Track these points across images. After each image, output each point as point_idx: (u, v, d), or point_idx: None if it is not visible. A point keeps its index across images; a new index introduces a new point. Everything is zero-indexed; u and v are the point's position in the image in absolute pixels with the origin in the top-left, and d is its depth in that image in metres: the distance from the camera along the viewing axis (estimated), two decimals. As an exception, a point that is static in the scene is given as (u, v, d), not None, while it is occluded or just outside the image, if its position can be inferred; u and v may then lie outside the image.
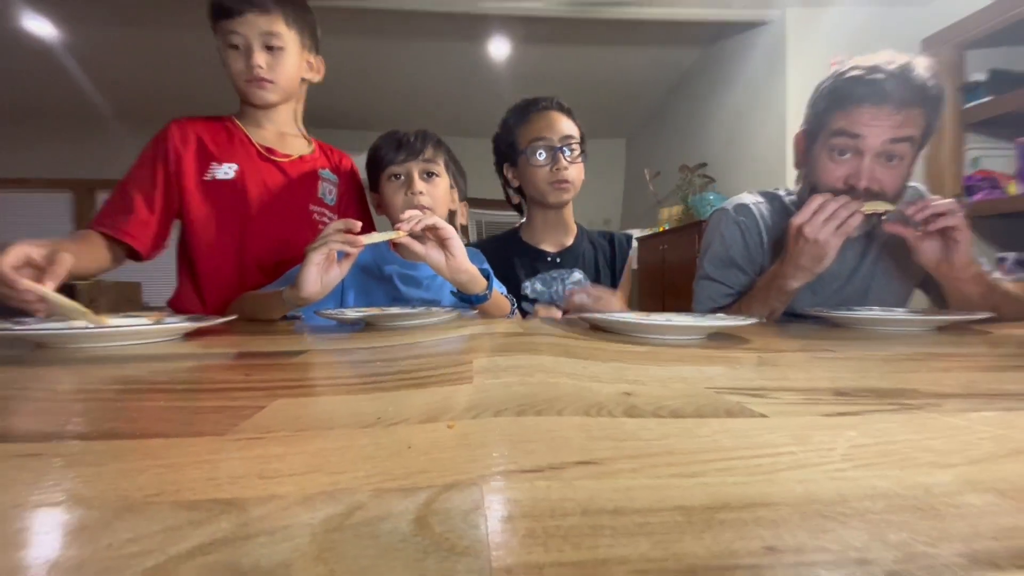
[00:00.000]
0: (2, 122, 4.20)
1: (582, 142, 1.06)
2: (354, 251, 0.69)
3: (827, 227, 0.72)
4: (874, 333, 0.65)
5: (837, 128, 0.77)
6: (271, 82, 0.89)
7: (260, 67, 0.87)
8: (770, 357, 0.46)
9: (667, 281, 2.76)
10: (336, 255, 0.69)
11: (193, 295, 0.95)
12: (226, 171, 0.92)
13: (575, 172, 1.04)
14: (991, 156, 2.14)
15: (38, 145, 4.30)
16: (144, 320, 0.62)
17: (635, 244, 3.37)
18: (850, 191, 0.76)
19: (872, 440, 0.23)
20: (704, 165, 2.81)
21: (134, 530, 0.14)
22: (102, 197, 4.46)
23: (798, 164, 0.90)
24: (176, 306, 0.96)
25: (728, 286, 0.93)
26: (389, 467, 0.19)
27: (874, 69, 0.74)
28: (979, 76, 2.09)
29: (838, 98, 0.77)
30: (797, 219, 0.74)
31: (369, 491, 0.17)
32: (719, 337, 0.59)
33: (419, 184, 0.87)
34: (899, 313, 0.75)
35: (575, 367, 0.37)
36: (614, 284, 1.14)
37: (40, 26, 2.74)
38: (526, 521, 0.15)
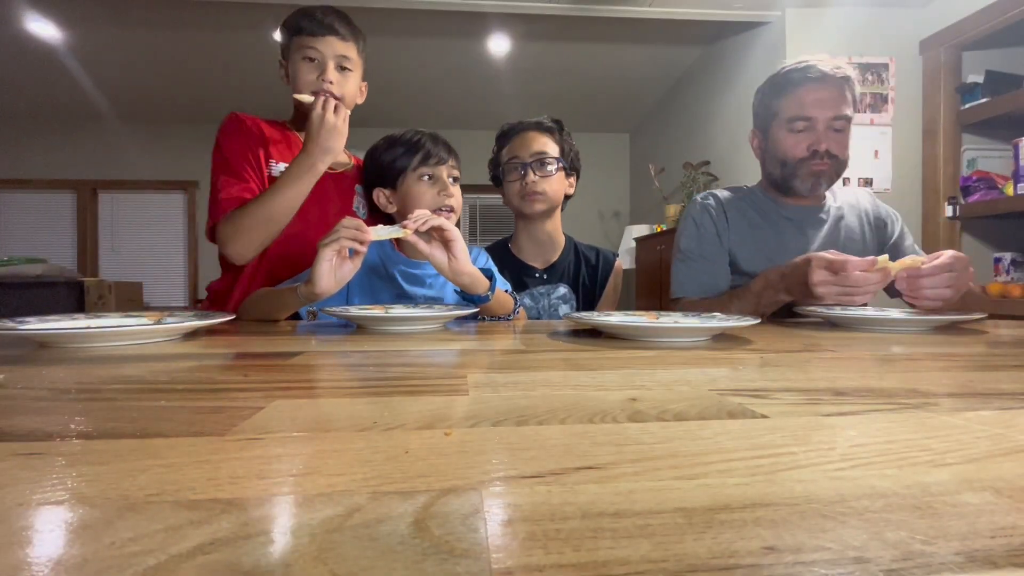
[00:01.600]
0: (5, 123, 4.20)
1: (564, 157, 1.11)
2: (363, 248, 0.71)
3: (833, 289, 0.73)
4: (873, 333, 0.66)
5: (790, 115, 0.93)
6: (339, 98, 0.95)
7: (332, 83, 0.94)
8: (772, 358, 0.46)
9: (664, 281, 2.76)
10: (347, 252, 0.72)
11: (231, 285, 0.98)
12: (281, 170, 0.96)
13: (548, 185, 1.08)
14: (988, 157, 2.15)
15: (41, 146, 4.30)
16: (144, 320, 0.62)
17: (633, 244, 3.36)
18: (813, 155, 0.93)
19: (871, 440, 0.23)
20: (707, 163, 2.81)
21: (135, 529, 0.14)
22: (104, 197, 4.47)
23: (757, 157, 1.05)
24: (215, 288, 1.00)
25: (704, 260, 1.01)
26: (387, 471, 0.19)
27: (803, 63, 0.93)
28: (976, 78, 2.09)
29: (782, 85, 0.95)
30: (821, 261, 0.73)
31: (367, 494, 0.17)
32: (724, 338, 0.59)
33: (452, 188, 0.92)
34: (898, 313, 0.76)
35: (582, 379, 0.36)
36: (596, 297, 1.17)
37: (43, 28, 2.74)
38: (526, 524, 0.15)
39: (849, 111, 0.93)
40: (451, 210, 0.92)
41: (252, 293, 0.86)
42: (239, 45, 2.90)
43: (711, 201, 1.04)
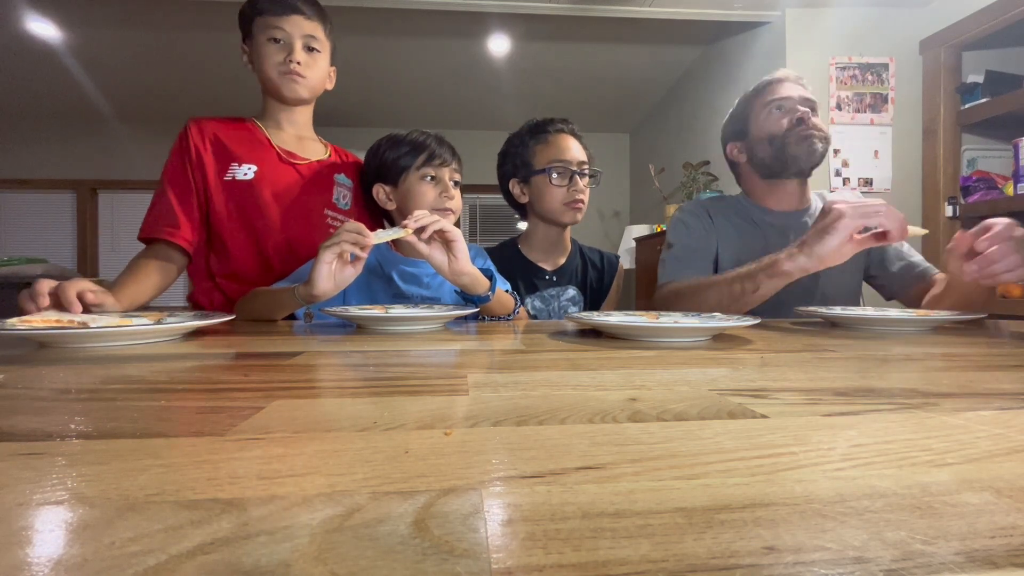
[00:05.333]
0: (5, 123, 4.20)
1: (591, 165, 1.11)
2: (364, 253, 0.71)
3: (856, 220, 0.71)
4: (873, 333, 0.66)
5: (767, 101, 1.00)
6: (304, 77, 0.94)
7: (299, 62, 0.91)
8: (772, 358, 0.46)
9: (666, 281, 2.76)
10: (348, 256, 0.72)
11: (213, 291, 0.97)
12: (245, 172, 0.94)
13: (586, 195, 1.09)
14: (988, 157, 2.15)
15: (40, 146, 4.30)
16: (144, 320, 0.62)
17: (633, 244, 3.34)
18: (798, 123, 0.97)
19: (871, 440, 0.23)
20: (707, 163, 2.81)
21: (135, 529, 0.14)
22: (104, 197, 4.47)
23: (743, 160, 1.06)
24: (196, 300, 0.99)
25: (692, 250, 1.03)
26: (387, 471, 0.19)
27: (764, 81, 1.03)
28: (976, 78, 2.09)
29: (751, 92, 1.04)
30: (843, 205, 0.74)
31: (367, 494, 0.17)
32: (724, 338, 0.59)
33: (453, 190, 0.92)
34: (898, 313, 0.76)
35: (582, 379, 0.36)
36: (602, 299, 1.17)
37: (43, 28, 2.74)
38: (526, 524, 0.15)
39: (813, 98, 1.00)
40: (450, 212, 0.92)
41: (249, 293, 0.86)
42: (239, 45, 2.90)
43: (698, 207, 1.07)
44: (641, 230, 3.33)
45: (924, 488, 0.17)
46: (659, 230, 3.06)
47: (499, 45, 2.91)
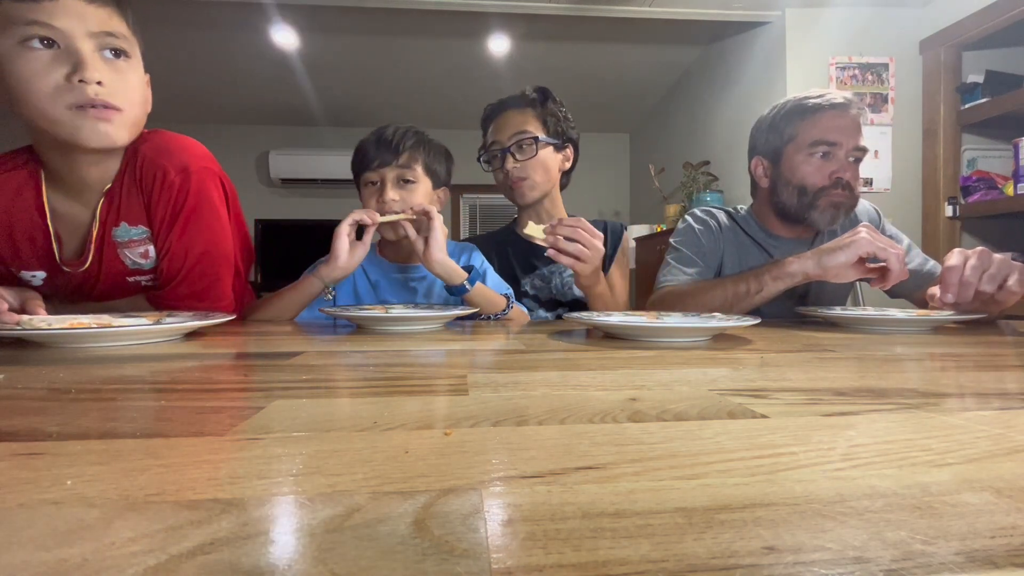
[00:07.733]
0: (6, 124, 4.19)
1: (549, 132, 1.00)
2: (372, 225, 0.82)
3: (869, 247, 0.73)
4: (873, 333, 0.66)
5: (812, 140, 0.91)
6: (112, 104, 0.64)
7: (100, 83, 0.62)
8: (772, 358, 0.46)
9: (666, 281, 2.75)
10: (354, 235, 0.83)
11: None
12: (32, 276, 0.75)
13: (533, 169, 0.99)
14: (988, 157, 2.15)
15: (37, 145, 4.29)
16: (144, 320, 0.62)
17: (633, 244, 3.32)
18: (836, 183, 0.91)
19: (871, 440, 0.23)
20: (707, 163, 2.81)
21: (135, 529, 0.14)
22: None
23: (764, 185, 1.00)
24: None
25: (698, 254, 1.02)
26: (387, 471, 0.19)
27: (817, 92, 0.92)
28: (976, 78, 2.09)
29: (799, 111, 0.92)
30: (865, 228, 0.76)
31: (367, 493, 0.17)
32: (724, 338, 0.59)
33: (391, 192, 0.89)
34: (898, 313, 0.76)
35: (582, 379, 0.36)
36: (607, 268, 1.11)
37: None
38: (526, 524, 0.15)
39: (865, 144, 0.91)
40: (406, 212, 0.86)
41: (253, 304, 0.89)
42: (239, 45, 2.90)
43: (710, 215, 1.05)
44: (641, 230, 3.32)
45: (924, 488, 0.17)
46: (659, 230, 3.06)
47: (499, 45, 2.91)
